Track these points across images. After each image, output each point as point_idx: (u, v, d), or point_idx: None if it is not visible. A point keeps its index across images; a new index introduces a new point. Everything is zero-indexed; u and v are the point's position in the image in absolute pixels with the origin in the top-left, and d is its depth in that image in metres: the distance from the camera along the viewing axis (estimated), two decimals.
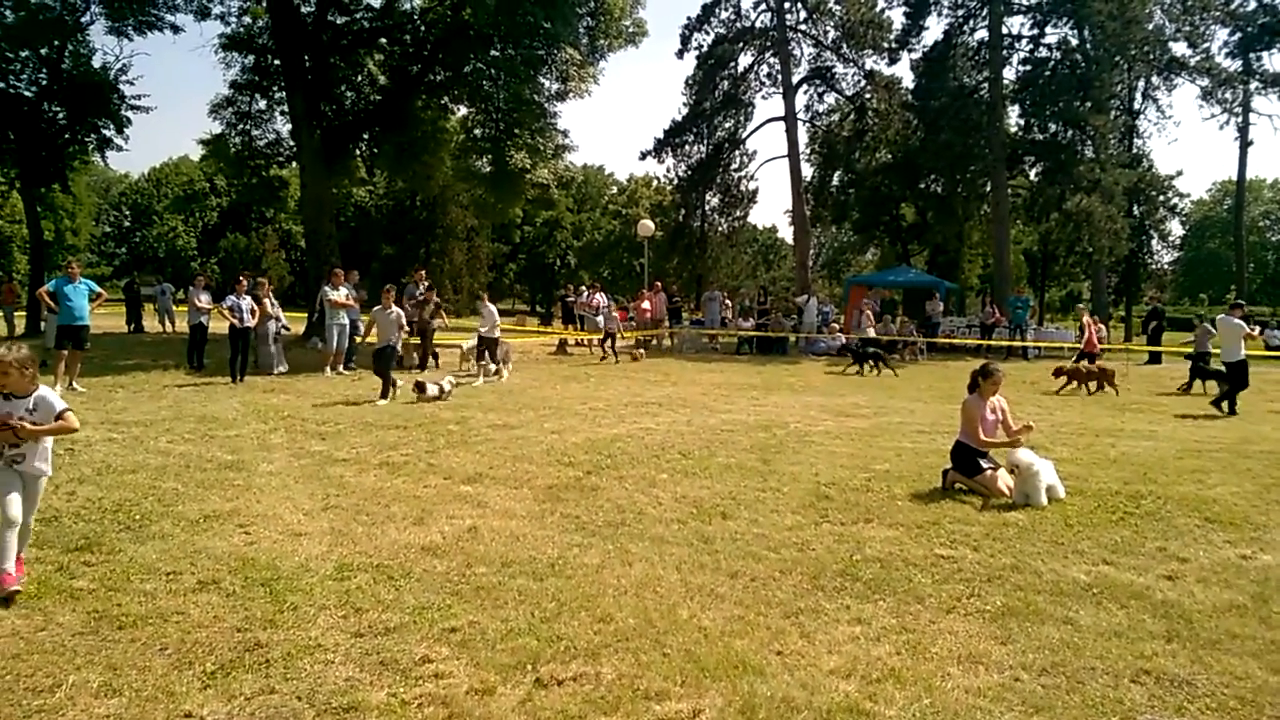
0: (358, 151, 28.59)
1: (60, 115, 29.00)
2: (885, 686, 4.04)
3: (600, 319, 24.55)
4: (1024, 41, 33.63)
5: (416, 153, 27.49)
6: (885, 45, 35.63)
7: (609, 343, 22.24)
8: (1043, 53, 33.15)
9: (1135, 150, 41.83)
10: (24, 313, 27.07)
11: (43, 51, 27.55)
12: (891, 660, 4.35)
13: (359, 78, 27.44)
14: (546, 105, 26.07)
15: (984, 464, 7.90)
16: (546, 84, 25.65)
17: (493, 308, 17.70)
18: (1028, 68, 33.35)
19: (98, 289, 14.22)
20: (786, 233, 75.37)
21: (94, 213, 70.08)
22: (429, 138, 27.67)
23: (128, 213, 78.04)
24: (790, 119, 35.83)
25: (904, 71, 72.24)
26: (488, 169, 27.42)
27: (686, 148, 39.24)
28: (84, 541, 5.98)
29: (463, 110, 28.34)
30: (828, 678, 4.14)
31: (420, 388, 13.31)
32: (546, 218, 70.34)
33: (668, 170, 41.61)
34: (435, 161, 28.83)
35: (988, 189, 33.48)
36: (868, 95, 36.77)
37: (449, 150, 28.89)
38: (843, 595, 5.26)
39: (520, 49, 23.75)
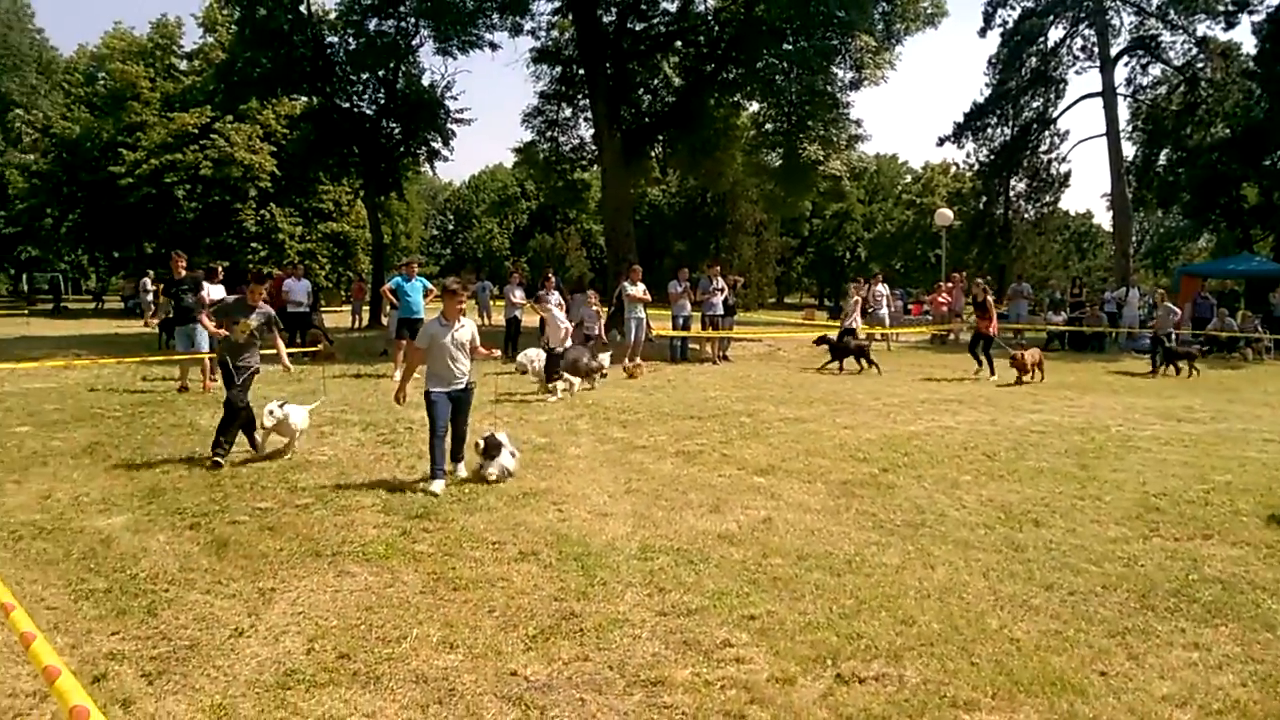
0: (653, 152, 29.57)
1: (396, 131, 32.48)
2: None
3: (884, 312, 23.83)
4: None
5: (709, 150, 27.98)
6: (1220, 8, 31.57)
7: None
8: None
9: None
10: (368, 307, 30.60)
11: (380, 73, 30.98)
12: (1236, 692, 3.90)
13: (655, 81, 28.36)
14: (839, 96, 25.56)
15: None
16: (840, 74, 25.12)
17: (557, 303, 16.05)
18: None
19: (430, 285, 15.82)
20: (1103, 218, 69.05)
21: (423, 218, 77.94)
22: (720, 135, 28.05)
23: (451, 217, 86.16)
24: (1109, 95, 32.80)
25: (1243, 36, 63.83)
26: (778, 163, 27.35)
27: (989, 131, 37.10)
28: (422, 510, 6.69)
29: (754, 106, 28.46)
30: (1159, 704, 3.78)
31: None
32: (836, 210, 69.12)
33: (967, 156, 39.61)
34: (726, 158, 29.20)
35: None
36: (1200, 64, 32.81)
37: (740, 146, 29.15)
38: (1176, 617, 4.77)
39: (813, 40, 23.44)
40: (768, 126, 27.40)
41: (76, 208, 42.54)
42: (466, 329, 7.62)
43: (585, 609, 4.76)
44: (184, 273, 13.30)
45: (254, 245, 41.90)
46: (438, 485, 7.23)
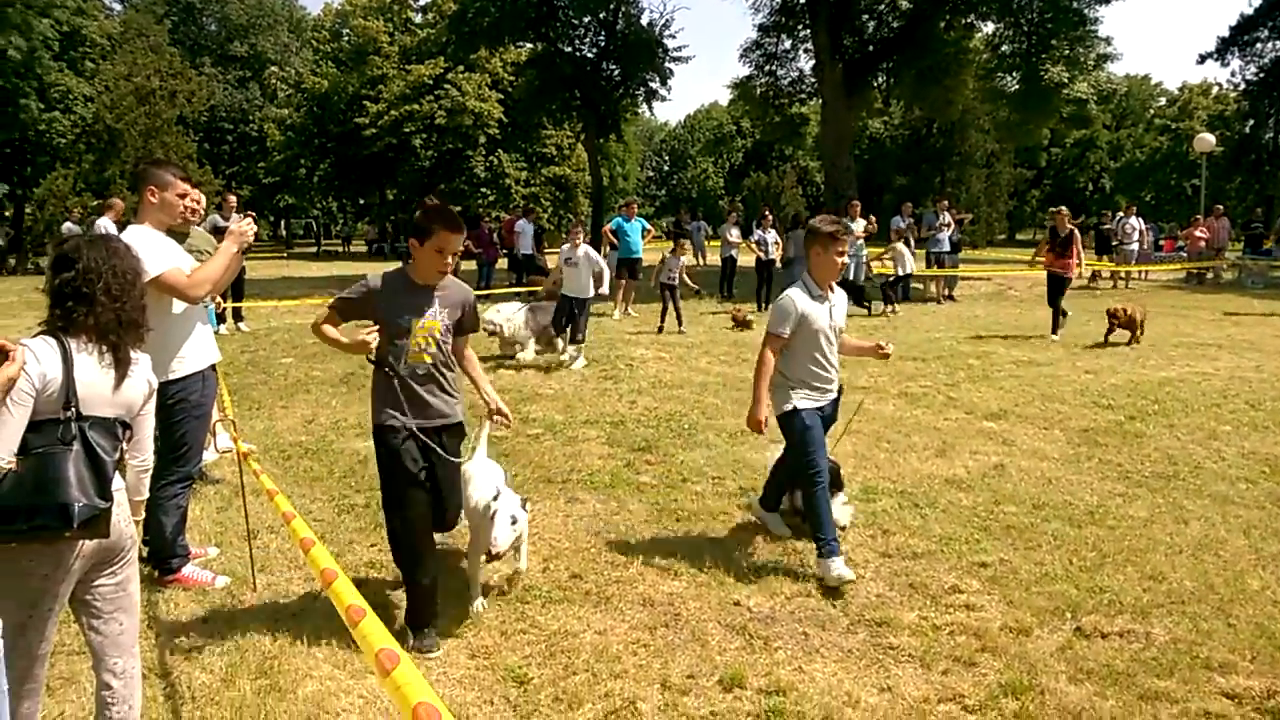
0: (876, 82, 28.40)
1: (615, 72, 32.97)
2: None
3: (1133, 247, 21.88)
4: None
5: (937, 77, 26.49)
6: None
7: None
8: None
9: None
10: None
11: (601, 15, 31.41)
12: None
13: (881, 5, 27.10)
14: (1086, 11, 23.47)
15: None
16: None
17: (586, 252, 10.98)
18: None
19: (648, 226, 16.09)
20: None
21: (640, 159, 78.93)
22: (951, 60, 26.46)
23: (666, 158, 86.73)
24: None
25: None
26: (1015, 87, 25.59)
27: (1259, 46, 33.09)
28: (644, 444, 6.88)
29: (989, 26, 26.63)
30: None
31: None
32: (1079, 137, 63.79)
33: (1232, 74, 35.58)
34: (957, 84, 27.56)
35: None
36: None
37: (972, 71, 27.43)
38: None
39: None
40: (1004, 48, 25.63)
41: (326, 158, 46.24)
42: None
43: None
44: None
45: (483, 190, 44.01)
46: None
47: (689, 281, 14.94)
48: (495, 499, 3.99)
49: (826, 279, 4.56)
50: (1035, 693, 3.34)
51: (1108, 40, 24.73)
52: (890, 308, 15.92)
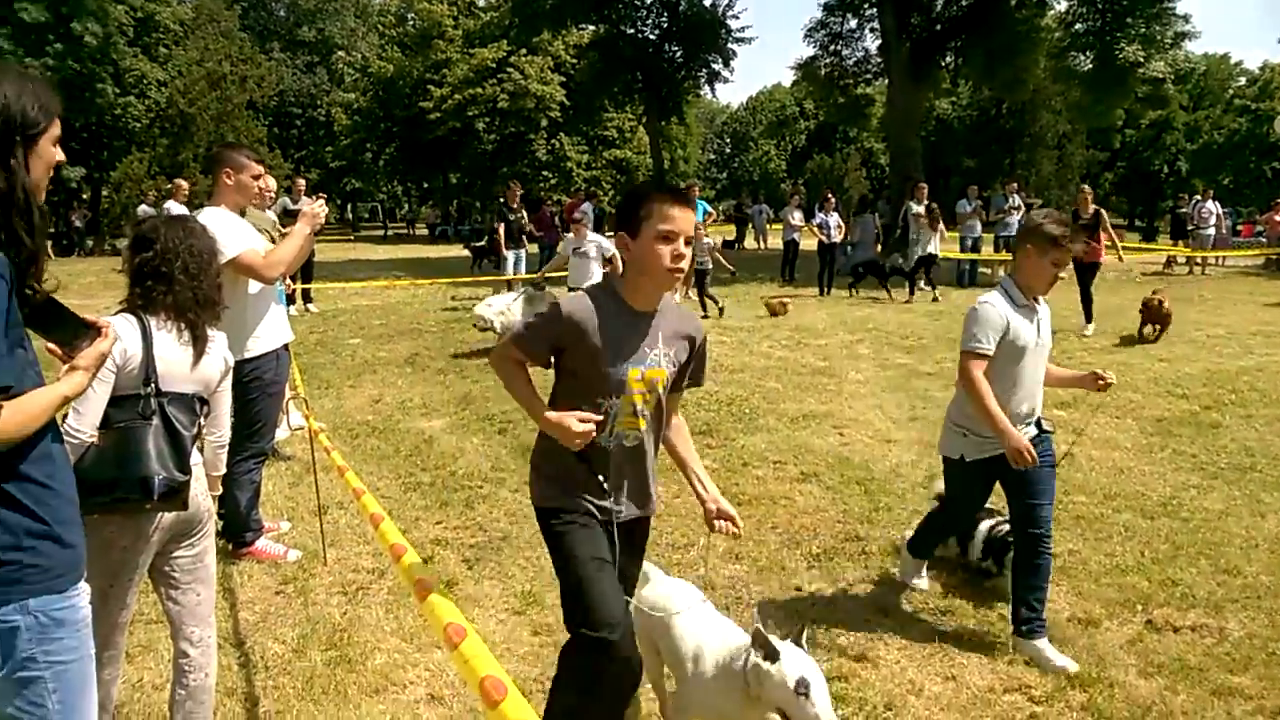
0: (944, 61, 27.85)
1: (677, 54, 32.80)
2: None
3: (1209, 232, 21.13)
4: None
5: (1007, 56, 25.85)
6: None
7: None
8: None
9: None
10: None
11: None
12: None
13: None
14: None
15: None
16: None
17: (597, 241, 10.01)
18: None
19: (710, 209, 16.04)
20: None
21: (701, 142, 78.51)
22: (1022, 38, 25.79)
23: (728, 140, 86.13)
24: None
25: None
26: (1088, 66, 24.90)
27: None
28: (705, 427, 6.88)
29: (1062, 4, 25.96)
30: None
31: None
32: (1154, 118, 61.71)
33: None
34: (1028, 64, 26.86)
35: None
36: None
37: (1044, 50, 26.73)
38: None
39: None
40: (1078, 26, 24.97)
41: (392, 142, 46.82)
42: None
43: (869, 533, 4.72)
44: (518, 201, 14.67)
45: (545, 174, 44.19)
46: None
47: (724, 263, 14.35)
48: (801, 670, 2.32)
49: (1037, 288, 3.66)
50: (1104, 685, 3.28)
51: (1185, 18, 23.97)
52: (921, 290, 15.42)
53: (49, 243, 1.84)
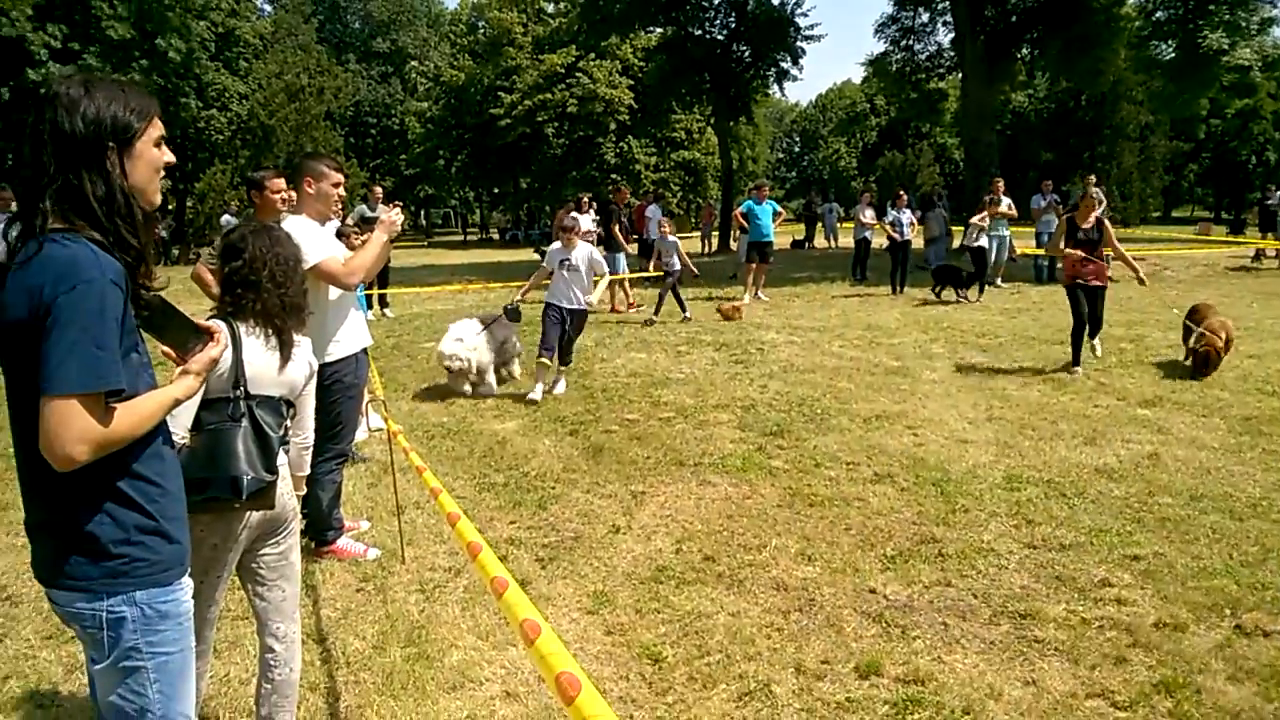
0: (1020, 54, 27.22)
1: (746, 54, 32.62)
2: None
3: None
4: None
5: (1086, 47, 25.13)
6: None
7: None
8: None
9: None
10: (717, 231, 31.40)
11: None
12: None
13: None
14: None
15: None
16: None
17: (590, 253, 8.58)
18: None
19: (779, 209, 15.91)
20: None
21: (769, 141, 77.96)
22: (1101, 28, 25.03)
23: (797, 139, 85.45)
24: None
25: None
26: (1171, 55, 24.11)
27: None
28: (776, 428, 6.85)
29: None
30: None
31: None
32: (1240, 107, 59.31)
33: None
34: (1107, 54, 26.04)
35: None
36: None
37: (1124, 40, 25.91)
38: None
39: None
40: (1159, 14, 24.19)
41: (464, 149, 47.62)
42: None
43: (946, 535, 4.65)
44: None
45: (613, 177, 44.42)
46: None
47: (690, 265, 13.10)
48: None
49: None
50: (1191, 691, 3.18)
51: (1273, 3, 23.08)
52: (964, 294, 14.55)
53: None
